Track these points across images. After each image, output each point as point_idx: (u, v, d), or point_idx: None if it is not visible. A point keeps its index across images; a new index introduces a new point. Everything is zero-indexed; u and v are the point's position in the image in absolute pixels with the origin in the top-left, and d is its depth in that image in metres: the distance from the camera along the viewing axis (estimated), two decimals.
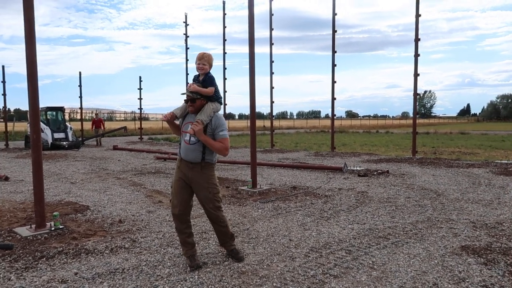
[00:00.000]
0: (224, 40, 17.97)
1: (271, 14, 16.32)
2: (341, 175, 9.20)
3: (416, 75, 12.80)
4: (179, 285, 3.26)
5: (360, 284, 3.26)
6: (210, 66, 3.67)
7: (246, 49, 7.47)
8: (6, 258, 3.84)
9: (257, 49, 7.43)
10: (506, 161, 11.47)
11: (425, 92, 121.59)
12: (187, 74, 22.03)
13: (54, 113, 19.53)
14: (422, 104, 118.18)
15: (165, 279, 3.36)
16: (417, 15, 12.66)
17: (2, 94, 19.33)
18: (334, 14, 14.82)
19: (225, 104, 16.16)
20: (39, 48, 4.92)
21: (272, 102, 17.16)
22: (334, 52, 14.95)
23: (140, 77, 24.52)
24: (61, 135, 18.33)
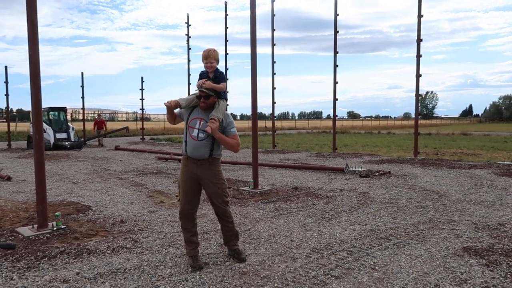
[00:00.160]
0: (226, 40, 18.00)
1: (273, 15, 16.32)
2: (343, 176, 9.19)
3: (418, 75, 12.78)
4: (181, 285, 3.26)
5: (362, 285, 3.26)
6: (218, 61, 3.67)
7: (248, 50, 7.51)
8: (9, 257, 3.85)
9: (259, 50, 7.43)
10: (508, 162, 11.43)
11: (427, 92, 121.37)
12: (189, 74, 22.09)
13: (57, 113, 19.58)
14: (424, 105, 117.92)
15: (166, 279, 3.37)
16: (419, 16, 12.64)
17: (5, 95, 19.41)
18: (336, 14, 14.81)
19: (227, 105, 16.15)
20: (42, 48, 4.94)
21: (273, 102, 17.15)
22: (336, 52, 14.94)
23: (142, 78, 24.57)
24: (63, 135, 18.37)
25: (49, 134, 17.56)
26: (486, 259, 3.79)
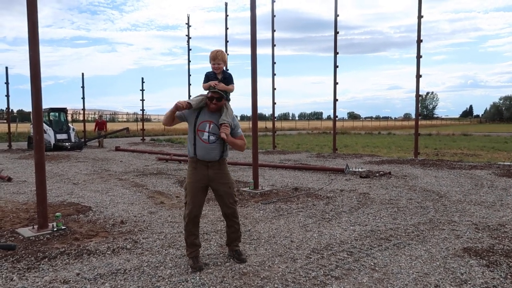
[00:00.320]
0: (226, 41, 17.99)
1: (273, 16, 16.33)
2: (343, 176, 9.19)
3: (418, 76, 12.78)
4: (181, 286, 3.26)
5: (362, 285, 3.26)
6: (225, 63, 3.70)
7: (248, 51, 7.50)
8: (9, 258, 3.85)
9: (259, 51, 7.44)
10: (509, 163, 11.43)
11: (428, 93, 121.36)
12: (189, 75, 22.07)
13: (57, 114, 19.60)
14: (424, 106, 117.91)
15: (166, 280, 3.37)
16: (419, 16, 12.64)
17: (6, 95, 19.42)
18: (336, 15, 14.82)
19: None
20: (42, 49, 4.94)
21: (274, 103, 17.15)
22: (336, 53, 14.95)
23: (142, 78, 24.57)
24: (64, 136, 18.38)
25: (50, 135, 17.58)
26: (486, 260, 3.79)
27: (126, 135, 27.58)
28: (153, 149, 17.60)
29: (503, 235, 4.59)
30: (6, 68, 19.50)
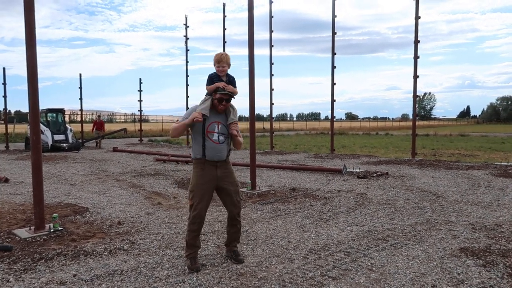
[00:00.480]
0: (224, 42, 18.01)
1: (271, 16, 16.35)
2: (341, 177, 9.20)
3: (415, 77, 12.82)
4: (178, 287, 3.26)
5: (359, 286, 3.26)
6: (229, 66, 3.73)
7: (246, 51, 7.50)
8: (5, 259, 3.84)
9: (257, 51, 7.45)
10: (505, 163, 11.47)
11: (425, 94, 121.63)
12: (187, 76, 22.09)
13: (54, 115, 19.54)
14: (422, 106, 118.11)
15: (163, 281, 3.36)
16: (417, 17, 12.68)
17: (3, 96, 19.35)
18: (334, 16, 14.85)
19: None
20: (40, 50, 5.01)
21: (271, 104, 17.18)
22: (333, 54, 14.98)
23: (140, 79, 24.57)
24: (61, 137, 18.34)
25: (47, 136, 17.52)
26: (483, 260, 3.80)
27: (124, 136, 27.53)
28: (150, 150, 17.58)
29: (499, 235, 4.61)
30: (4, 68, 19.46)
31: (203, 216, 3.64)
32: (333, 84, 15.11)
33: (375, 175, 9.21)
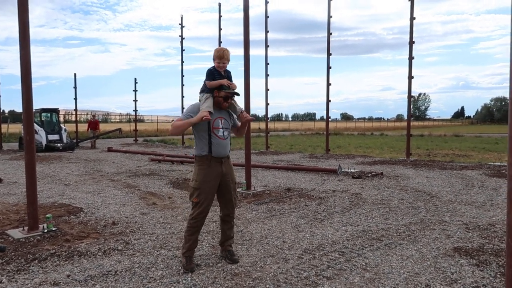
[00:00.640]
0: (220, 42, 17.99)
1: (266, 16, 16.35)
2: (335, 177, 9.22)
3: (410, 77, 12.88)
4: (172, 287, 3.25)
5: (353, 285, 3.27)
6: (229, 61, 3.74)
7: (241, 51, 7.50)
8: None
9: (253, 51, 7.45)
10: (499, 163, 11.55)
11: (420, 94, 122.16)
12: (182, 76, 22.01)
13: (49, 114, 19.43)
14: (416, 107, 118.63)
15: (158, 281, 3.35)
16: (412, 18, 12.75)
17: None
18: (330, 16, 14.88)
19: None
20: (35, 49, 4.96)
21: (267, 104, 17.18)
22: (329, 54, 15.01)
23: (135, 79, 24.49)
24: (56, 136, 18.24)
25: (41, 136, 17.42)
26: (476, 259, 3.82)
27: (119, 135, 27.44)
28: (145, 150, 17.53)
29: (493, 235, 4.64)
30: None
31: (207, 213, 3.66)
32: (328, 84, 15.14)
33: (369, 175, 9.24)
